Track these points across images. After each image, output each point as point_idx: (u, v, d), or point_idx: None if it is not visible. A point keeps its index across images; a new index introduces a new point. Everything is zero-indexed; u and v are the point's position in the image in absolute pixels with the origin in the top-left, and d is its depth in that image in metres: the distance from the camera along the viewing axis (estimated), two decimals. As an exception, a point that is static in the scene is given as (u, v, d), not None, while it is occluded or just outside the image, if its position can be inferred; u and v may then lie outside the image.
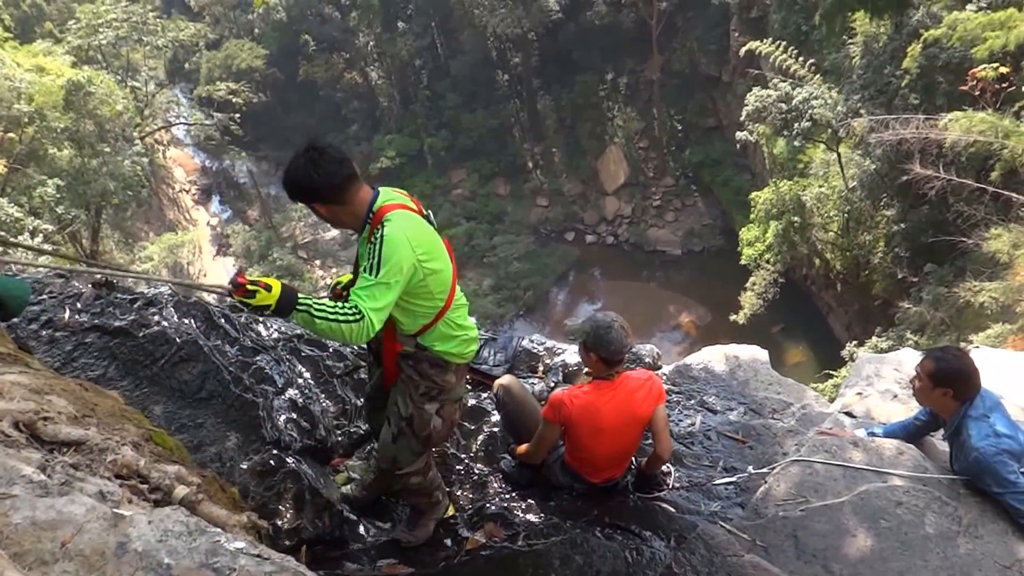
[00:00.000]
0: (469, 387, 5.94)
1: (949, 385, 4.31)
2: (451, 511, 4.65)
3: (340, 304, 3.30)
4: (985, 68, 15.44)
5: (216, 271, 39.41)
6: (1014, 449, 4.17)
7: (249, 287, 3.13)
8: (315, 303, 3.26)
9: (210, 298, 5.98)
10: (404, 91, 44.71)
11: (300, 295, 3.25)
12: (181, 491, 2.54)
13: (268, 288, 3.15)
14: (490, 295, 35.39)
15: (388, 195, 3.65)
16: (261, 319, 5.80)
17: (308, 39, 45.41)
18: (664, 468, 5.00)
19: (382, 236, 3.38)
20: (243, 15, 47.96)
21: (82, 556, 1.92)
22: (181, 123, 44.75)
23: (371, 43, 45.47)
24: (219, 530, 2.16)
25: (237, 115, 39.24)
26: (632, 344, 4.36)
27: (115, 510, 2.08)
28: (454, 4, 43.77)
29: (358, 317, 3.25)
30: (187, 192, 47.64)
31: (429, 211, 3.81)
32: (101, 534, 1.98)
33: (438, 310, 3.75)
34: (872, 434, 4.97)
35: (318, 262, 40.41)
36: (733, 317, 27.51)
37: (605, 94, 41.00)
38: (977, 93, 15.80)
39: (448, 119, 42.61)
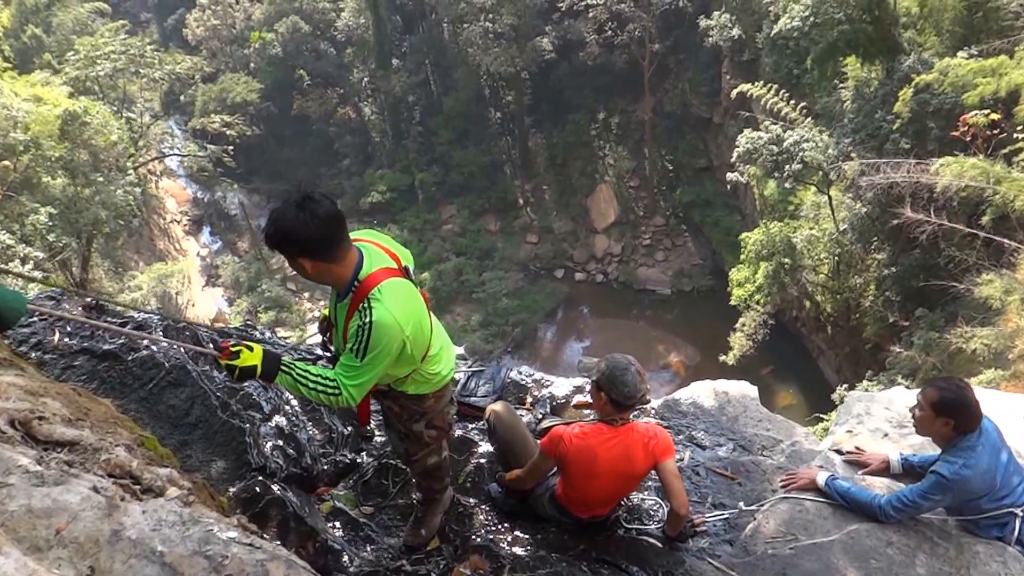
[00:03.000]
0: (456, 418, 5.89)
1: (951, 415, 4.25)
2: (436, 543, 4.61)
3: (322, 375, 3.41)
4: (976, 114, 15.59)
5: (205, 302, 39.33)
6: (969, 479, 4.19)
7: (233, 348, 3.25)
8: (298, 369, 3.38)
9: (202, 317, 5.94)
10: (397, 127, 45.02)
11: (283, 358, 3.37)
12: (173, 492, 2.53)
13: (250, 349, 3.27)
14: (478, 331, 35.43)
15: (372, 258, 3.52)
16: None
17: (303, 74, 45.69)
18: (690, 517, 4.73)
19: (371, 323, 3.32)
20: (239, 49, 48.26)
21: (76, 543, 1.96)
22: (175, 154, 44.75)
23: (365, 79, 45.85)
24: (212, 520, 2.17)
25: (230, 147, 39.28)
26: (646, 390, 4.23)
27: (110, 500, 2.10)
28: (448, 43, 44.20)
29: (336, 392, 3.40)
30: (178, 223, 47.63)
31: (407, 265, 3.72)
32: (95, 522, 2.02)
33: (412, 369, 3.80)
34: (907, 459, 4.92)
35: (306, 294, 40.25)
36: (722, 358, 27.44)
37: (596, 133, 41.33)
38: (968, 139, 15.94)
39: (440, 155, 42.81)
